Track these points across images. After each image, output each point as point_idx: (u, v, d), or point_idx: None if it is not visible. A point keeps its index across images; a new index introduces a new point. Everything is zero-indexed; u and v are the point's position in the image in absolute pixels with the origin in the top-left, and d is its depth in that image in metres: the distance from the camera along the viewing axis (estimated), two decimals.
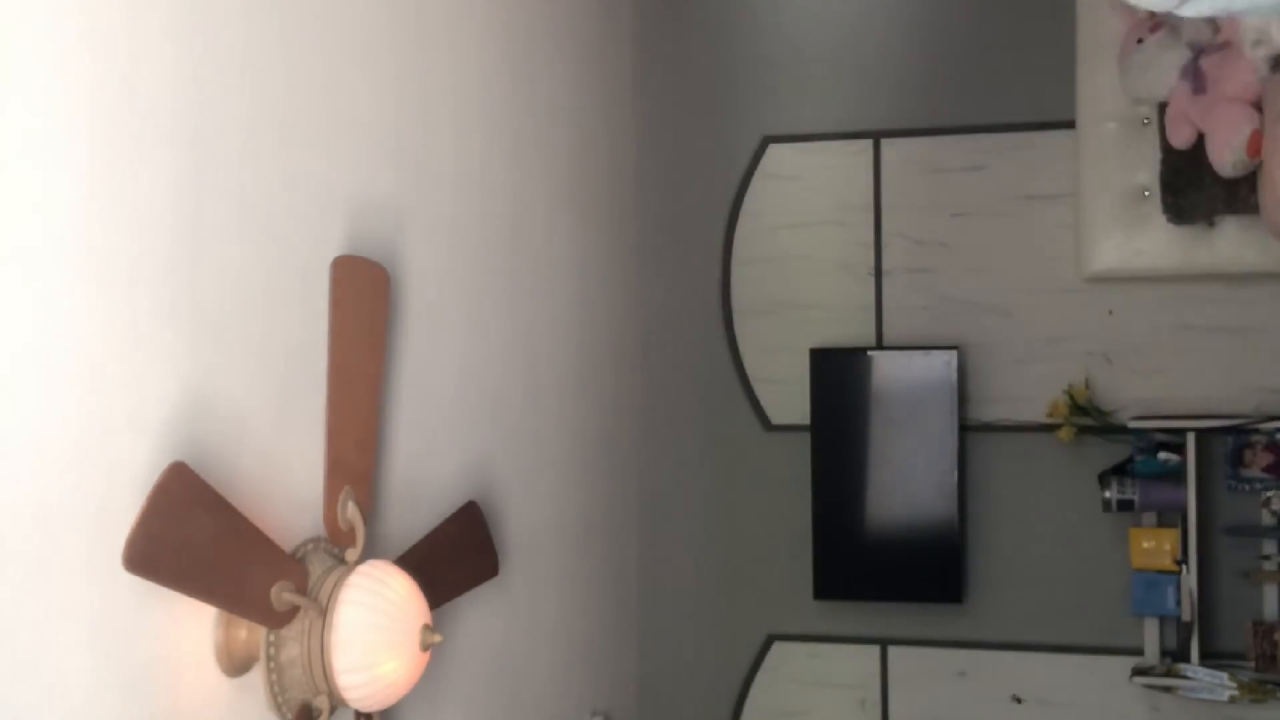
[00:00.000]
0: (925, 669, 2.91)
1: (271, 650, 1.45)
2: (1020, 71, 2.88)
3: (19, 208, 1.16)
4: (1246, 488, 2.67)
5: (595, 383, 2.76)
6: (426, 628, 1.53)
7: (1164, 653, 2.71)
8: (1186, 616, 2.63)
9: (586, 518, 2.69)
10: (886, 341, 2.94)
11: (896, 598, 2.88)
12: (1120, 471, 2.70)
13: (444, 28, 2.03)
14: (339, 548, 1.58)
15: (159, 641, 1.33)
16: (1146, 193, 2.72)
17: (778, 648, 3.00)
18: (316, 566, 1.52)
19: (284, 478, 1.54)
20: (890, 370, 2.91)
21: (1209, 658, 2.63)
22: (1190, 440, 2.63)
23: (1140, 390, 2.79)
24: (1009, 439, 2.87)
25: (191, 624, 1.38)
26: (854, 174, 2.97)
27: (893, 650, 2.93)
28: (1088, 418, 2.76)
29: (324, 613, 1.46)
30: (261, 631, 1.44)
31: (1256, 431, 2.64)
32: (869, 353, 2.91)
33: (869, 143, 2.96)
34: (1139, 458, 2.69)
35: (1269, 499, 2.61)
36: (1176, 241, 2.69)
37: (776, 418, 3.00)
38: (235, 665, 1.44)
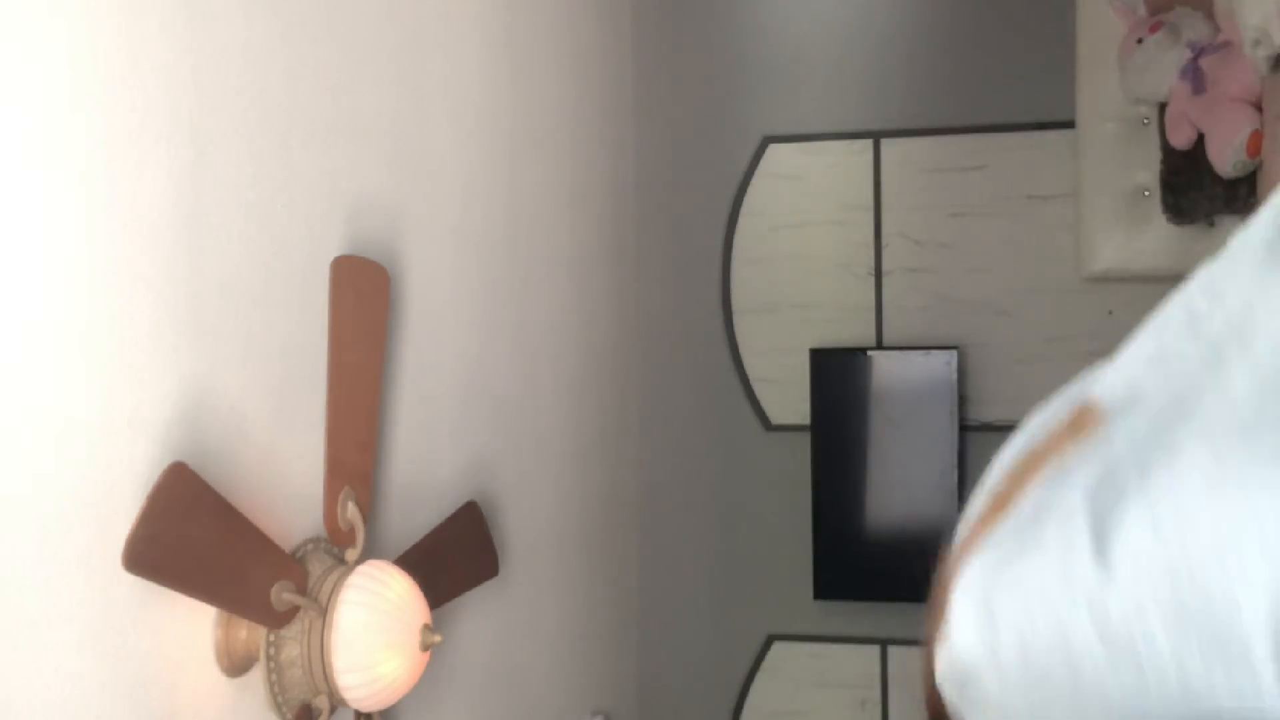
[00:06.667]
0: None
1: (271, 650, 1.45)
2: (1020, 71, 2.88)
3: (18, 207, 1.16)
4: None
5: (595, 382, 2.76)
6: (426, 628, 1.53)
7: None
8: None
9: (586, 518, 2.69)
10: (886, 341, 2.94)
11: (896, 598, 2.87)
12: None
13: (444, 27, 2.03)
14: (339, 548, 1.58)
15: (159, 641, 1.33)
16: (1146, 193, 2.71)
17: (778, 648, 3.00)
18: (316, 566, 1.53)
19: (284, 478, 1.54)
20: (890, 370, 2.91)
21: None
22: None
23: None
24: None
25: (191, 624, 1.38)
26: (854, 174, 2.97)
27: (893, 650, 2.93)
28: None
29: (324, 613, 1.46)
30: (261, 631, 1.44)
31: None
32: (869, 353, 2.92)
33: (869, 143, 2.96)
34: None
35: None
36: (1176, 241, 2.69)
37: (776, 418, 3.00)
38: (235, 665, 1.44)
